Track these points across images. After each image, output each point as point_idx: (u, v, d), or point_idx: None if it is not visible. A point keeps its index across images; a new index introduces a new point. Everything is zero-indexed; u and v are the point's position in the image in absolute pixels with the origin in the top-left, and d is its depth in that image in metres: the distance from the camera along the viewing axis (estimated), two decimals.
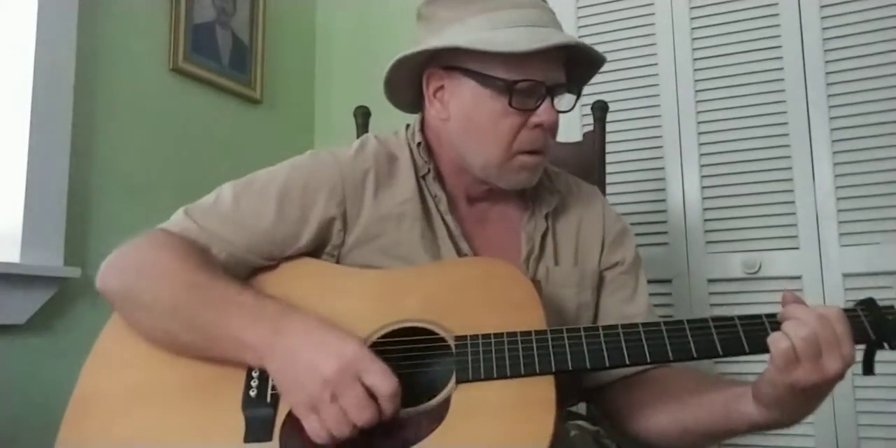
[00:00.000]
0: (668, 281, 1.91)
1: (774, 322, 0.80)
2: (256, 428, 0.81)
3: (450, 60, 0.98)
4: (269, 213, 0.95)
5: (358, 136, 1.53)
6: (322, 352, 0.79)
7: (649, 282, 1.97)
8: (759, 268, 1.83)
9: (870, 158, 1.77)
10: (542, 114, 0.95)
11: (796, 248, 1.81)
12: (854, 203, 1.77)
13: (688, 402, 0.89)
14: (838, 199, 1.78)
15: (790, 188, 1.83)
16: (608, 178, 1.57)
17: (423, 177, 1.02)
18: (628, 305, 1.06)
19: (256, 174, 1.01)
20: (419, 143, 1.03)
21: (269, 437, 0.81)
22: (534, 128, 0.96)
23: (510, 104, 0.94)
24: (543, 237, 1.05)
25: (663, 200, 1.94)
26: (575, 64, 0.99)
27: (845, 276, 1.76)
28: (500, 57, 0.93)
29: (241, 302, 0.85)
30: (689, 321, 0.83)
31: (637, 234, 1.90)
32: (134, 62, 1.77)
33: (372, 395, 0.77)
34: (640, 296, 1.08)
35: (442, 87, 1.00)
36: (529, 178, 1.01)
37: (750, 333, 0.81)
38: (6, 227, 1.47)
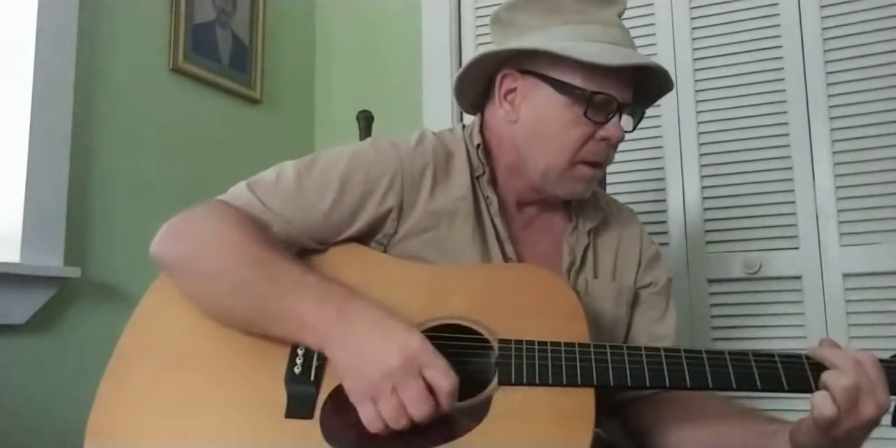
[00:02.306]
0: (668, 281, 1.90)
1: (812, 363, 0.81)
2: (298, 404, 0.82)
3: (528, 64, 0.99)
4: (329, 196, 0.96)
5: (360, 138, 1.55)
6: (387, 342, 0.79)
7: None
8: (759, 268, 1.83)
9: (870, 158, 1.77)
10: (610, 128, 0.97)
11: (796, 248, 1.81)
12: (854, 203, 1.78)
13: (721, 430, 0.90)
14: (838, 199, 1.78)
15: (790, 188, 1.83)
16: (608, 178, 1.57)
17: (478, 178, 1.03)
18: (657, 326, 1.08)
19: (318, 155, 1.01)
20: (478, 145, 1.04)
21: (309, 415, 0.81)
22: (600, 141, 0.98)
23: (585, 114, 0.95)
24: (585, 251, 1.06)
25: (663, 200, 1.94)
26: (642, 87, 1.01)
27: (845, 276, 1.76)
28: (581, 68, 0.95)
29: (306, 282, 0.85)
30: (729, 352, 0.84)
31: None
32: (134, 62, 1.77)
33: (430, 390, 0.77)
34: (669, 318, 1.09)
35: (514, 90, 1.01)
36: (585, 189, 1.03)
37: (790, 373, 0.81)
38: (6, 227, 1.47)
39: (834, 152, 1.80)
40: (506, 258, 1.01)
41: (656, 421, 0.97)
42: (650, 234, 1.90)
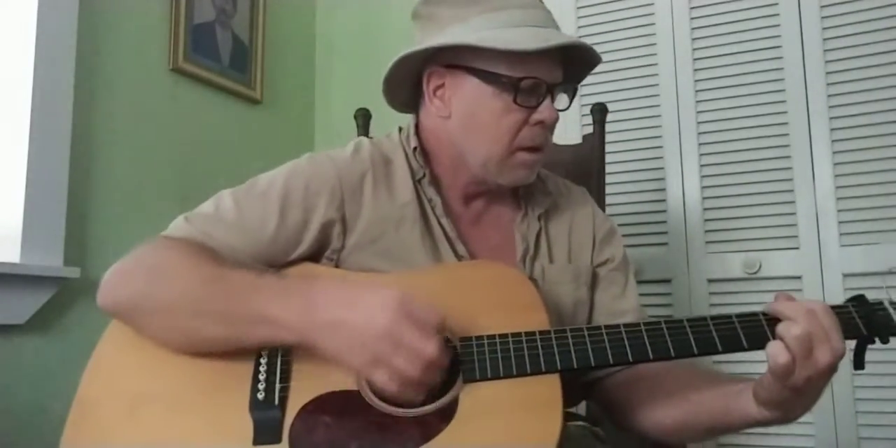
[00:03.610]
0: (668, 281, 1.91)
1: (769, 319, 0.82)
2: (265, 430, 0.81)
3: (452, 59, 0.99)
4: (272, 219, 0.95)
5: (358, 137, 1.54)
6: (366, 309, 0.79)
7: (649, 282, 1.97)
8: (759, 268, 1.83)
9: (870, 158, 1.77)
10: (543, 111, 0.97)
11: (796, 248, 1.81)
12: (854, 203, 1.78)
13: (687, 397, 0.90)
14: (838, 199, 1.78)
15: (790, 188, 1.83)
16: (608, 179, 1.57)
17: (419, 180, 1.03)
18: (619, 301, 1.07)
19: (255, 180, 1.00)
20: (415, 148, 1.04)
21: (277, 439, 0.81)
22: (535, 125, 0.97)
23: (515, 101, 0.95)
24: (537, 237, 1.06)
25: (663, 200, 1.94)
26: (571, 64, 1.01)
27: (845, 276, 1.76)
28: (504, 55, 0.94)
29: (264, 284, 0.85)
30: (688, 320, 0.85)
31: (637, 234, 1.92)
32: (134, 62, 1.77)
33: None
34: (630, 293, 1.09)
35: (443, 86, 1.00)
36: (528, 175, 1.02)
37: (748, 331, 0.83)
38: (6, 227, 1.47)
39: (834, 152, 1.80)
40: (458, 257, 1.01)
41: (629, 400, 0.97)
42: (650, 234, 1.93)
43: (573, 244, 1.08)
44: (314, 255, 0.98)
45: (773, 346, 0.77)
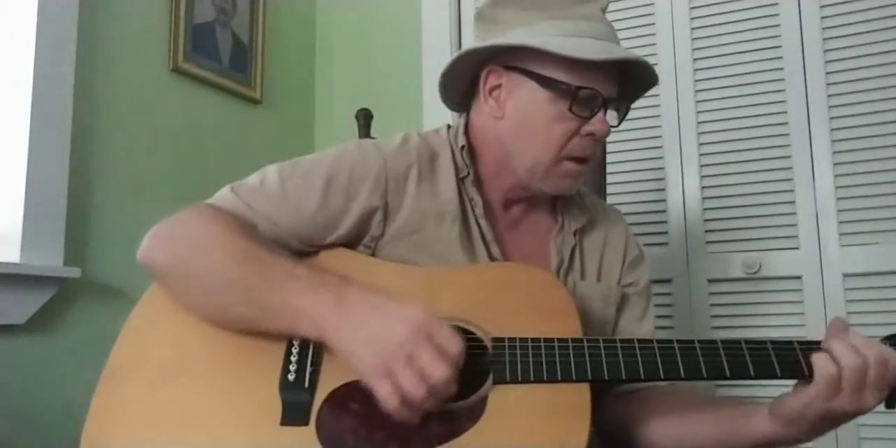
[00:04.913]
0: (668, 281, 1.91)
1: (806, 348, 0.82)
2: (293, 411, 0.82)
3: (512, 60, 0.99)
4: (314, 198, 0.95)
5: (360, 137, 1.55)
6: (391, 318, 0.79)
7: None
8: (759, 268, 1.83)
9: (870, 158, 1.77)
10: (595, 123, 0.97)
11: (796, 248, 1.81)
12: (854, 203, 1.78)
13: (691, 417, 0.90)
14: (838, 199, 1.79)
15: (790, 188, 1.83)
16: (608, 178, 1.57)
17: (463, 179, 1.03)
18: (637, 325, 1.08)
19: (301, 159, 1.01)
20: (462, 146, 1.04)
21: (305, 422, 0.81)
22: (585, 136, 0.97)
23: (570, 109, 0.95)
24: (572, 252, 1.06)
25: (663, 200, 1.94)
26: (627, 81, 1.01)
27: (845, 276, 1.76)
28: (565, 63, 0.94)
29: (298, 274, 0.85)
30: (722, 342, 0.84)
31: (637, 234, 1.91)
32: (134, 62, 1.77)
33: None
34: (648, 319, 1.10)
35: (499, 86, 1.01)
36: (572, 185, 1.02)
37: (782, 358, 0.82)
38: (6, 227, 1.47)
39: (834, 152, 1.80)
40: (492, 259, 1.01)
41: (636, 415, 0.97)
42: (650, 234, 1.93)
43: (604, 263, 1.09)
44: (351, 241, 0.98)
45: (821, 357, 0.78)
